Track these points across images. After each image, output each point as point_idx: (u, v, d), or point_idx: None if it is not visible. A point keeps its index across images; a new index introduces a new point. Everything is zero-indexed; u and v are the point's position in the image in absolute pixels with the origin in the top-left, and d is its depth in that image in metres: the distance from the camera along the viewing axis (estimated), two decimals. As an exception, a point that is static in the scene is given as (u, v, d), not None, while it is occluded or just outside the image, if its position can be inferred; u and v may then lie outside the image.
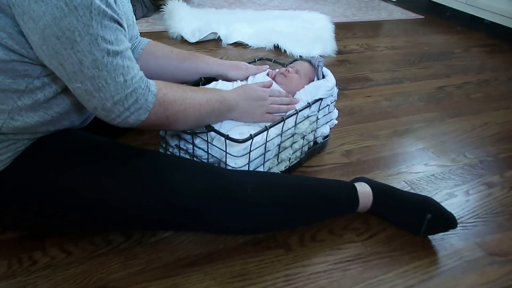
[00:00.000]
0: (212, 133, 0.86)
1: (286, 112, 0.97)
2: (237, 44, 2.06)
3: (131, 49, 0.99)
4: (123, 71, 0.64)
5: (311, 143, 1.10)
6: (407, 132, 1.36)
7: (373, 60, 2.05)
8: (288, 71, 1.04)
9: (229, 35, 2.04)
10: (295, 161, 1.06)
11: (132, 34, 0.96)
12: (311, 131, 1.05)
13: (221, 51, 1.98)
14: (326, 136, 1.17)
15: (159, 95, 0.70)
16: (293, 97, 1.01)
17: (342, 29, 2.47)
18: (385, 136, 1.32)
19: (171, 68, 1.01)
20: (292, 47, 1.99)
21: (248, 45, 2.04)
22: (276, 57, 1.95)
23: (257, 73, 1.05)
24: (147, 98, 0.69)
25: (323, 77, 1.07)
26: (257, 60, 1.20)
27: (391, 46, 2.29)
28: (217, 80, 1.05)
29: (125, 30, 0.67)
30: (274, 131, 0.92)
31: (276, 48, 2.04)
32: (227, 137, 0.82)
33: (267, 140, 0.89)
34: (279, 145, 0.95)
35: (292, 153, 1.01)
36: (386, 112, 1.49)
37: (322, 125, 1.10)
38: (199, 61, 1.02)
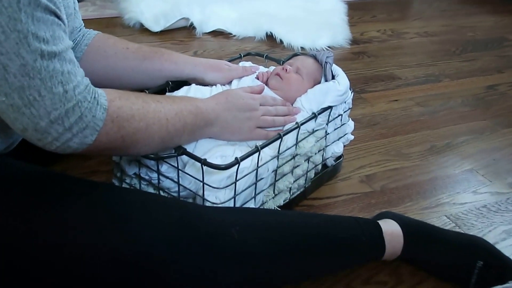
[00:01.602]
0: (184, 157, 0.88)
1: (284, 126, 0.99)
2: (216, 33, 2.10)
3: (72, 47, 1.01)
4: (62, 78, 0.66)
5: (319, 167, 1.12)
6: (448, 148, 1.39)
7: (400, 52, 2.10)
8: (286, 70, 1.07)
9: (205, 22, 2.09)
10: (298, 192, 1.08)
11: (73, 26, 0.98)
12: (318, 151, 1.07)
13: (195, 43, 2.02)
14: (339, 157, 1.19)
15: (111, 109, 0.72)
16: (292, 105, 1.03)
17: (357, 10, 2.54)
18: (419, 154, 1.35)
19: (127, 71, 1.02)
20: (291, 37, 2.04)
21: (231, 34, 2.08)
22: (269, 50, 1.99)
23: (243, 76, 1.07)
24: (95, 113, 0.69)
25: (333, 77, 1.10)
26: (244, 56, 1.23)
27: (424, 32, 2.36)
28: (189, 84, 1.07)
29: (64, 24, 0.68)
30: (268, 152, 0.93)
31: (269, 37, 2.08)
32: (204, 162, 0.83)
33: (259, 165, 0.91)
34: (275, 171, 0.96)
35: (294, 181, 1.03)
36: (419, 122, 1.52)
37: (333, 142, 1.12)
38: (164, 60, 1.04)
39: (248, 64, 1.17)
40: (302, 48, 2.01)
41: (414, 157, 1.33)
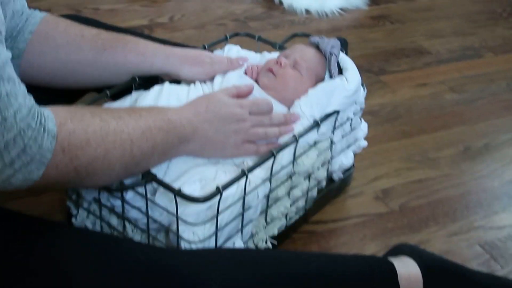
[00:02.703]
0: (155, 183, 0.90)
1: (278, 138, 1.00)
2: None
3: (14, 36, 1.01)
4: None
5: (324, 183, 1.14)
6: (486, 151, 1.42)
7: (431, 14, 2.11)
8: (280, 64, 1.08)
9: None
10: (297, 217, 1.10)
11: (13, 10, 0.98)
12: (322, 165, 1.09)
13: (171, 4, 2.02)
14: (349, 168, 1.21)
15: (61, 135, 0.73)
16: (289, 110, 1.05)
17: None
18: (449, 160, 1.37)
19: (82, 65, 1.03)
20: (294, -5, 2.04)
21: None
22: (265, 13, 1.99)
23: (228, 70, 1.08)
24: (41, 143, 0.71)
25: (340, 71, 1.11)
26: (230, 38, 1.24)
27: (463, -13, 2.35)
28: (161, 81, 1.08)
29: (0, 34, 0.69)
30: (258, 173, 0.95)
31: (267, -4, 2.09)
32: (177, 192, 0.85)
33: (247, 192, 0.93)
34: (267, 196, 0.99)
35: (291, 205, 1.05)
36: (452, 114, 1.54)
37: (340, 152, 1.14)
38: (129, 51, 1.04)
39: (235, 50, 1.19)
40: (307, 11, 2.02)
41: (443, 164, 1.36)
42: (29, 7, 1.05)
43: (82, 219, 1.02)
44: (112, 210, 0.97)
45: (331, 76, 1.10)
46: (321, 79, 1.10)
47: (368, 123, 1.39)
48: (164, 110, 0.90)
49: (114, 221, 0.99)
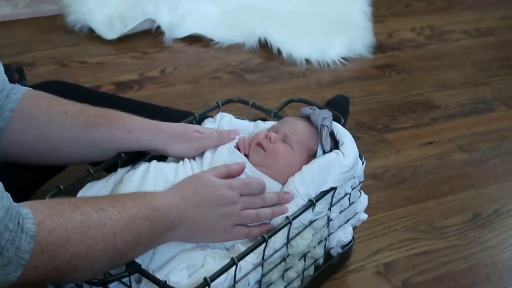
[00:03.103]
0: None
1: (271, 220, 1.04)
2: (193, 39, 2.15)
3: None
4: None
5: (321, 260, 1.17)
6: (497, 218, 1.44)
7: (441, 63, 2.15)
8: (270, 139, 1.12)
9: (177, 24, 2.14)
10: (292, 297, 1.13)
11: None
12: (319, 243, 1.12)
13: (163, 56, 2.07)
14: (348, 242, 1.24)
15: (40, 235, 0.76)
16: (283, 187, 1.09)
17: (384, -2, 2.59)
18: (457, 229, 1.40)
19: (66, 143, 1.07)
20: (292, 44, 2.09)
21: (212, 40, 2.14)
22: (263, 64, 2.04)
23: (219, 145, 1.13)
24: (19, 245, 0.73)
25: (336, 145, 1.15)
26: (222, 105, 1.28)
27: (475, 29, 2.40)
28: (149, 156, 1.12)
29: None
30: (249, 259, 0.98)
31: (263, 45, 2.14)
32: (163, 285, 0.88)
33: (237, 280, 0.96)
34: (259, 281, 1.02)
35: (286, 287, 1.09)
36: (461, 177, 1.57)
37: (338, 228, 1.18)
38: (115, 128, 1.08)
39: (227, 118, 1.23)
40: (307, 61, 2.07)
41: (450, 234, 1.39)
42: (12, 63, 1.09)
43: (64, 304, 1.05)
44: (94, 298, 1.00)
45: (323, 149, 1.12)
46: (314, 152, 1.13)
47: (370, 189, 1.44)
48: (149, 196, 0.93)
49: (96, 309, 1.02)
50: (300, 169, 1.09)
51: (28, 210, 0.78)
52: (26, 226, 0.76)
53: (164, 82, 1.93)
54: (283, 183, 1.10)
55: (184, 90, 1.90)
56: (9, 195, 0.77)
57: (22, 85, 1.43)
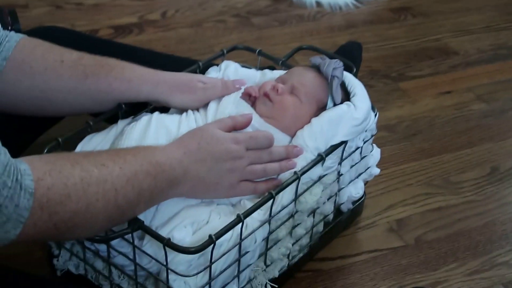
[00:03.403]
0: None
1: (278, 175, 1.06)
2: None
3: None
4: None
5: (331, 216, 1.20)
6: (517, 173, 1.46)
7: (460, 7, 2.13)
8: (277, 90, 1.13)
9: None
10: (301, 255, 1.16)
11: None
12: (329, 198, 1.15)
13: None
14: (359, 198, 1.27)
15: (39, 191, 0.77)
16: (291, 140, 1.10)
17: None
18: (474, 183, 1.43)
19: (62, 93, 1.08)
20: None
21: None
22: (271, 7, 2.02)
23: (224, 95, 1.13)
24: (18, 202, 0.75)
25: (347, 97, 1.16)
26: (228, 52, 1.29)
27: (498, -32, 2.37)
28: (149, 108, 1.14)
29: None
30: (256, 216, 1.01)
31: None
32: (167, 242, 0.91)
33: (243, 237, 0.99)
34: (266, 239, 1.05)
35: (294, 244, 1.12)
36: (479, 129, 1.59)
37: (349, 183, 1.20)
38: (114, 78, 1.09)
39: (233, 67, 1.23)
40: (318, 3, 2.06)
41: (466, 188, 1.41)
42: (5, 5, 1.08)
43: (65, 260, 1.08)
44: (96, 253, 1.03)
45: (333, 101, 1.14)
46: (323, 104, 1.14)
47: (383, 141, 1.45)
48: (151, 151, 0.95)
49: (99, 264, 1.05)
50: (309, 122, 1.10)
51: (26, 166, 0.79)
52: (25, 182, 0.77)
53: (166, 26, 1.93)
54: (292, 136, 1.11)
55: (186, 34, 1.90)
56: (6, 150, 0.78)
57: (15, 29, 1.45)
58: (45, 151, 1.02)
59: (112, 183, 0.86)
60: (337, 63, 1.14)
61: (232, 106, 1.11)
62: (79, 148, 1.08)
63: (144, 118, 1.09)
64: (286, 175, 1.05)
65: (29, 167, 0.79)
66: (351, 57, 1.53)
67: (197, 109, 1.13)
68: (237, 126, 1.04)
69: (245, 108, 1.11)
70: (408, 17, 2.04)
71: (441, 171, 1.45)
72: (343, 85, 1.16)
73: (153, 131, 1.05)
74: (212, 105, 1.12)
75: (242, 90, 1.14)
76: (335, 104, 1.13)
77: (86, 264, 1.06)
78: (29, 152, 1.23)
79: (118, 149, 1.01)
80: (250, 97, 1.13)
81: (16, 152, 1.05)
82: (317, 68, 1.16)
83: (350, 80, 1.18)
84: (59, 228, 0.82)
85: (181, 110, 1.13)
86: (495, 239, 1.29)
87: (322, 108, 1.14)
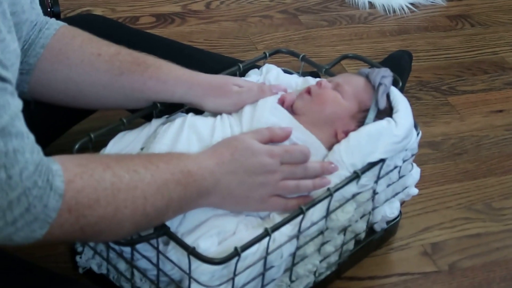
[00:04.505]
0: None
1: (310, 192, 1.08)
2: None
3: (25, 49, 1.11)
4: (5, 161, 0.73)
5: (363, 235, 1.22)
6: None
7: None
8: (320, 84, 1.16)
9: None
10: (329, 272, 1.19)
11: (27, 19, 1.06)
12: (362, 217, 1.17)
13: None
14: (394, 218, 1.29)
15: (69, 194, 0.80)
16: (327, 151, 1.12)
17: None
18: (517, 211, 1.43)
19: (97, 88, 1.13)
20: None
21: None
22: (321, 5, 2.03)
23: (259, 99, 1.14)
24: (46, 203, 0.78)
25: (390, 110, 1.18)
26: (270, 56, 1.31)
27: None
28: (186, 107, 1.17)
29: (11, 83, 0.79)
30: (284, 230, 1.03)
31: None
32: (191, 251, 0.94)
33: (270, 251, 1.02)
34: (293, 254, 1.08)
35: (321, 261, 1.14)
36: (529, 153, 1.59)
37: (384, 202, 1.22)
38: (149, 77, 1.12)
39: (275, 72, 1.25)
40: (371, 4, 2.07)
41: (508, 216, 1.41)
42: None
43: (87, 258, 1.13)
44: (120, 254, 1.08)
45: (378, 107, 1.16)
46: (366, 108, 1.16)
47: (426, 158, 1.47)
48: (184, 159, 0.97)
49: (122, 266, 1.09)
50: (348, 123, 1.14)
51: (58, 167, 0.82)
52: (55, 184, 0.81)
53: (209, 18, 1.96)
54: (328, 142, 1.13)
55: (230, 28, 1.93)
56: (40, 149, 0.81)
57: (54, 11, 1.50)
58: (77, 146, 1.06)
59: (142, 191, 0.90)
60: (387, 72, 1.18)
61: (269, 112, 1.12)
62: (110, 145, 1.11)
63: (178, 121, 1.12)
64: (318, 191, 1.07)
65: (61, 168, 0.83)
66: (399, 66, 1.55)
67: (230, 113, 1.15)
68: (274, 139, 1.06)
69: (282, 114, 1.13)
70: (466, 26, 2.04)
71: (484, 196, 1.45)
72: (388, 99, 1.18)
73: (185, 135, 1.08)
74: (247, 109, 1.14)
75: (279, 95, 1.17)
76: (379, 110, 1.16)
77: (108, 264, 1.10)
78: (60, 143, 1.28)
79: (152, 154, 1.03)
80: (283, 104, 1.15)
81: (46, 142, 1.11)
82: (365, 76, 1.19)
83: (396, 95, 1.19)
84: (85, 231, 0.86)
85: (215, 113, 1.15)
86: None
87: (364, 111, 1.16)
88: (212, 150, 1.02)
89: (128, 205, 0.88)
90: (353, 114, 1.15)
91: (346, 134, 1.13)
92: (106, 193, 0.86)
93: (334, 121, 1.14)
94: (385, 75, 1.18)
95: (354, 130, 1.13)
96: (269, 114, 1.12)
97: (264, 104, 1.14)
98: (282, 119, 1.13)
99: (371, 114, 1.16)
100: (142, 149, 1.10)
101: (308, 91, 1.16)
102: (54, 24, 1.13)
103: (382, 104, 1.16)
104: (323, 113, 1.14)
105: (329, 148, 1.13)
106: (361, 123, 1.15)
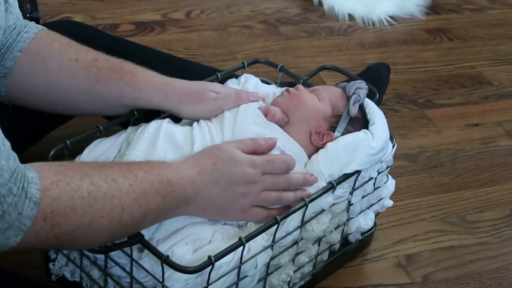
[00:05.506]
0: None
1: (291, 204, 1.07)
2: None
3: (0, 51, 1.10)
4: None
5: (337, 245, 1.23)
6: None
7: (500, 33, 2.13)
8: (298, 87, 1.19)
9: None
10: (303, 283, 1.20)
11: (6, 25, 1.07)
12: (336, 228, 1.18)
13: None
14: (369, 230, 1.30)
15: (44, 201, 0.79)
16: (307, 157, 1.13)
17: None
18: (491, 224, 1.44)
19: (74, 93, 1.13)
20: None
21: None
22: (301, 16, 2.04)
23: (237, 106, 1.15)
24: (21, 210, 0.77)
25: (365, 121, 1.19)
26: (248, 65, 1.32)
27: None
28: (163, 114, 1.17)
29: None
30: (259, 240, 1.04)
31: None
32: (165, 260, 0.94)
33: (243, 261, 1.01)
34: (267, 264, 1.09)
35: (295, 271, 1.15)
36: (504, 167, 1.60)
37: (359, 214, 1.23)
38: (125, 85, 1.12)
39: (253, 82, 1.26)
40: (350, 16, 2.08)
41: (482, 229, 1.43)
42: None
43: (61, 265, 1.12)
44: (94, 262, 1.07)
45: (349, 115, 1.17)
46: (339, 112, 1.17)
47: (401, 170, 1.48)
48: (164, 169, 0.97)
49: (95, 273, 1.09)
50: (321, 125, 1.16)
51: (34, 174, 0.82)
52: (31, 191, 0.80)
53: (189, 27, 1.96)
54: (306, 145, 1.15)
55: (210, 37, 1.93)
56: (16, 156, 0.81)
57: (33, 17, 1.49)
58: (52, 153, 1.05)
59: (120, 200, 0.89)
60: (362, 84, 1.19)
61: (251, 122, 1.12)
62: (86, 152, 1.11)
63: (152, 127, 1.11)
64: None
65: (37, 176, 0.82)
66: (378, 78, 1.56)
67: (209, 119, 1.15)
68: (258, 150, 1.06)
69: (264, 123, 1.14)
70: (444, 39, 2.06)
71: (458, 208, 1.47)
72: (362, 112, 1.20)
73: (161, 143, 1.08)
74: (227, 116, 1.14)
75: (261, 102, 1.17)
76: (350, 117, 1.17)
77: (82, 271, 1.10)
78: (35, 149, 1.28)
79: (132, 163, 1.01)
80: (266, 116, 1.16)
81: (22, 147, 1.10)
82: (342, 88, 1.21)
83: (371, 108, 1.20)
84: (60, 239, 0.85)
85: (193, 120, 1.15)
86: (506, 285, 1.31)
87: (337, 117, 1.17)
88: (193, 158, 1.02)
89: (104, 215, 0.88)
90: (326, 117, 1.17)
91: (319, 135, 1.15)
92: (83, 202, 0.85)
93: (309, 119, 1.16)
94: (360, 86, 1.19)
95: (326, 133, 1.16)
96: (252, 124, 1.12)
97: (246, 112, 1.14)
98: (264, 127, 1.13)
99: (343, 122, 1.17)
100: (115, 156, 1.10)
101: (287, 90, 1.19)
102: (33, 27, 1.13)
103: (353, 112, 1.17)
104: (299, 110, 1.16)
105: (308, 154, 1.15)
106: (333, 128, 1.16)
